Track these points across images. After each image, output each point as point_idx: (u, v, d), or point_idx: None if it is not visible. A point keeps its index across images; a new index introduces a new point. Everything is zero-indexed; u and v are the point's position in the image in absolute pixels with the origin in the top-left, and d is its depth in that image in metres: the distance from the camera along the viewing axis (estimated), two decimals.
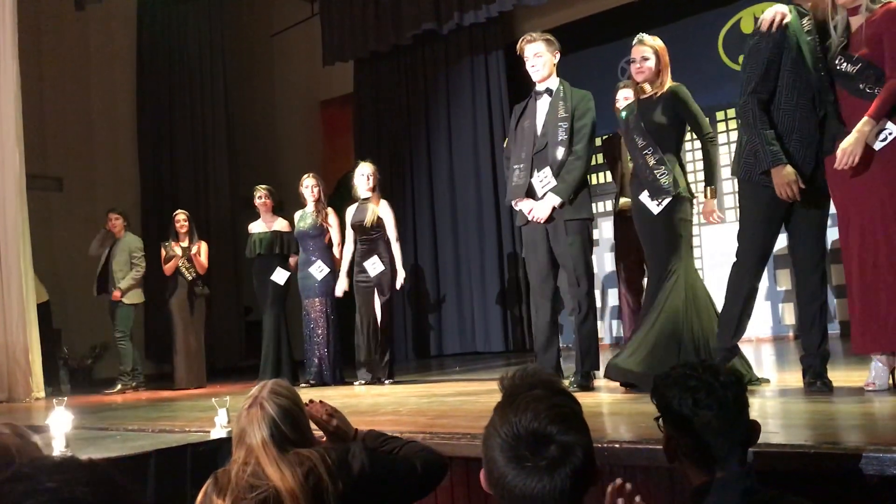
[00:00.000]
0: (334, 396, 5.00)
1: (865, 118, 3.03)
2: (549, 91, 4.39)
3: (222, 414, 3.45)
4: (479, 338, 8.85)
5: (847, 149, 3.07)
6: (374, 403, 4.35)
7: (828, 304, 3.47)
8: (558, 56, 4.44)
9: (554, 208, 4.25)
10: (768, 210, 3.38)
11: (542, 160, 4.31)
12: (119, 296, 7.19)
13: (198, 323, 7.22)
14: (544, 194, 4.27)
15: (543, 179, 4.28)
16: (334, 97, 10.63)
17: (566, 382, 4.31)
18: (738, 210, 3.87)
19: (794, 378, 3.66)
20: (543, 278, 4.38)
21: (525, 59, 4.44)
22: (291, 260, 6.58)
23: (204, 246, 7.27)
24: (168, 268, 7.10)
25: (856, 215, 3.17)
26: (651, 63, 4.02)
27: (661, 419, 1.75)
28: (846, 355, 5.28)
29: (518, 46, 4.48)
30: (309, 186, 6.19)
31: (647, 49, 4.04)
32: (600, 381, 4.34)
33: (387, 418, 3.59)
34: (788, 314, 6.98)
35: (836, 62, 3.19)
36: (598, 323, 8.35)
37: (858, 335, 3.20)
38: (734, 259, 3.53)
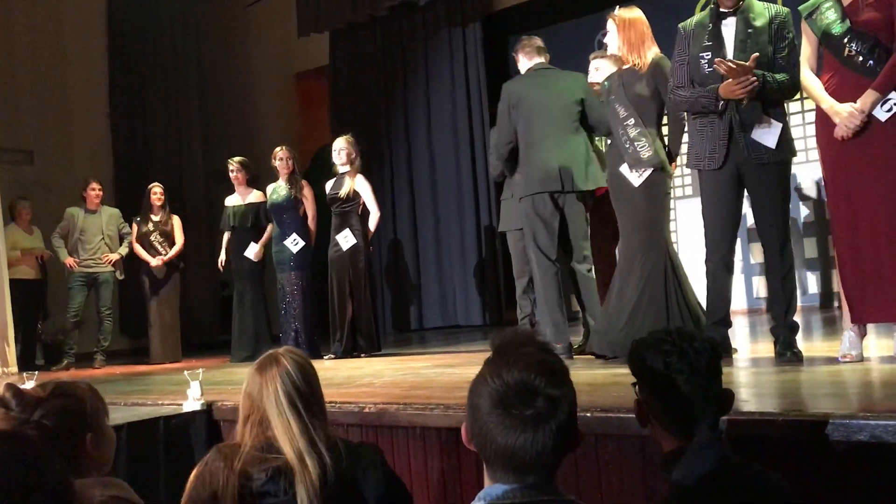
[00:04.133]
0: None
1: (870, 91, 3.08)
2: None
3: (195, 387, 3.43)
4: (460, 311, 8.86)
5: (847, 122, 3.12)
6: (349, 376, 4.34)
7: (792, 274, 3.49)
8: None
9: None
10: (719, 190, 3.51)
11: None
12: (113, 261, 7.14)
13: (172, 297, 7.16)
14: None
15: None
16: (310, 69, 10.50)
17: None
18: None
19: (766, 349, 3.70)
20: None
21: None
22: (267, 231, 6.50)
23: (177, 220, 7.19)
24: (139, 248, 7.05)
25: (853, 186, 3.19)
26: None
27: (636, 385, 1.76)
28: (821, 325, 5.35)
29: None
30: (283, 159, 6.12)
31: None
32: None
33: (361, 390, 3.59)
34: (763, 287, 7.05)
35: (845, 46, 3.18)
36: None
37: (857, 305, 3.22)
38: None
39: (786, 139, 3.44)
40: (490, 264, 8.67)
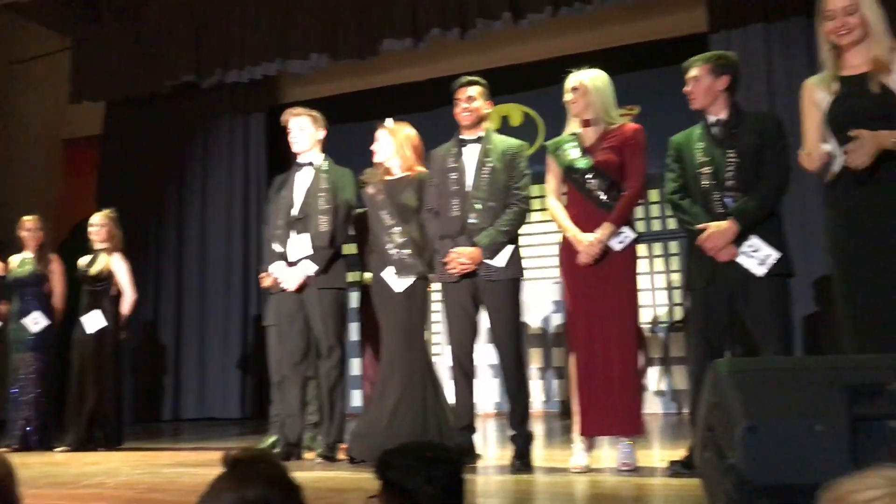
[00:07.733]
0: (34, 464, 4.52)
1: (606, 223, 3.47)
2: (311, 164, 4.45)
3: None
4: (217, 403, 8.49)
5: (589, 250, 3.48)
6: (80, 473, 3.99)
7: (526, 385, 3.81)
8: (322, 133, 4.52)
9: (308, 276, 4.26)
10: (459, 302, 3.83)
11: (301, 229, 4.32)
12: None
13: None
14: (298, 261, 4.26)
15: (300, 247, 4.29)
16: (80, 136, 9.93)
17: (310, 455, 4.31)
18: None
19: (509, 455, 3.86)
20: (296, 347, 4.34)
21: (288, 130, 4.48)
22: (2, 307, 5.93)
23: None
24: None
25: (591, 309, 3.53)
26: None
27: (375, 497, 1.77)
28: (562, 433, 5.69)
29: (282, 118, 4.55)
30: (32, 230, 5.70)
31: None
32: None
33: (89, 492, 3.31)
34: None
35: (587, 181, 3.56)
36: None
37: (587, 419, 3.52)
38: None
39: (514, 260, 3.80)
40: (254, 356, 8.44)
